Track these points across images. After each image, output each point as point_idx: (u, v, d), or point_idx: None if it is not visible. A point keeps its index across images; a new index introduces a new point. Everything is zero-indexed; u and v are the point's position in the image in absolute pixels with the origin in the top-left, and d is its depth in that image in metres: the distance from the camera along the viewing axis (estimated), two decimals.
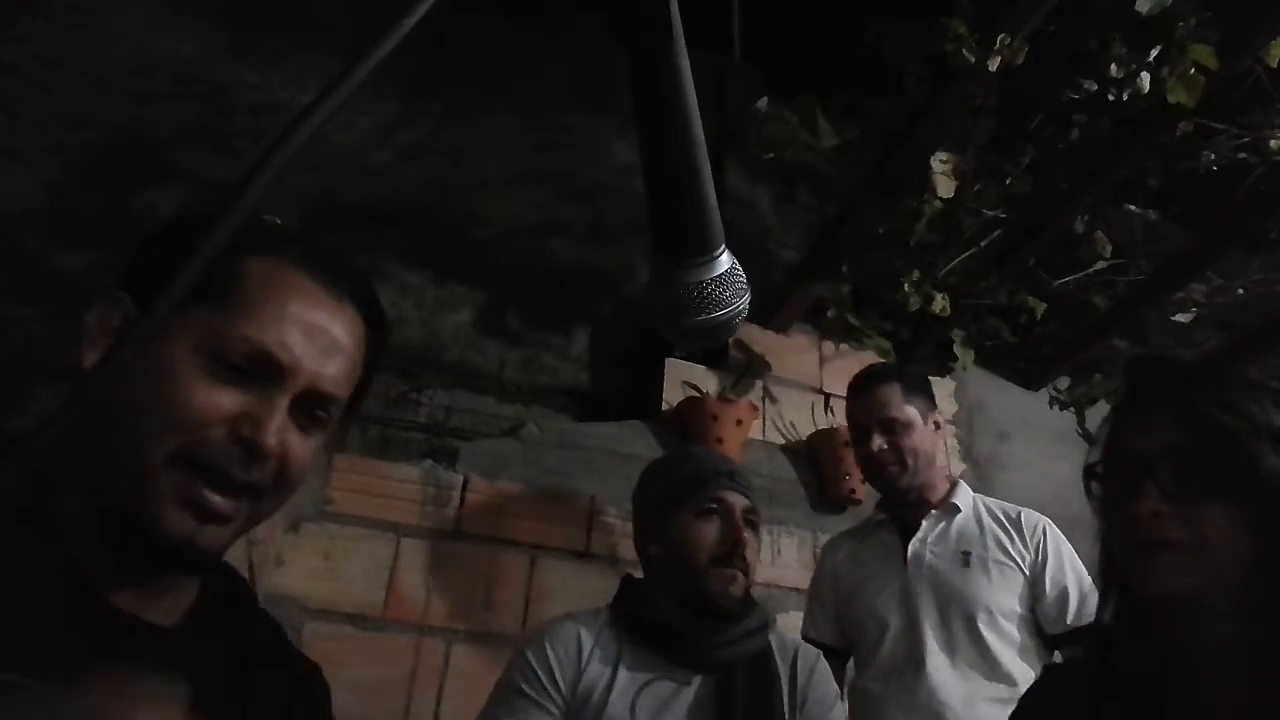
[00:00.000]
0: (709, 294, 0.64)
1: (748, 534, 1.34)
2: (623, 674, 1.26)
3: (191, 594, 0.68)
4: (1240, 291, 2.49)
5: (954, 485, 1.85)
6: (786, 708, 1.28)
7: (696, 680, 1.26)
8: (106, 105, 2.32)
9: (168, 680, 0.60)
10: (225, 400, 0.60)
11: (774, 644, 1.35)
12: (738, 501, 1.35)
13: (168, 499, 0.59)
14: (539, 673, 1.25)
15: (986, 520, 1.78)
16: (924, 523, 1.78)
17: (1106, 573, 0.89)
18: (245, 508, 0.63)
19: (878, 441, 1.76)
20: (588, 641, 1.29)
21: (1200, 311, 2.54)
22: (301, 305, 0.64)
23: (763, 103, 2.17)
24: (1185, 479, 0.77)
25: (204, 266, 0.36)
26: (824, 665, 1.39)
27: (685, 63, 0.58)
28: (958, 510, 1.78)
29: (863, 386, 1.83)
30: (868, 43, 2.19)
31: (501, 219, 2.61)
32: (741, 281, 0.66)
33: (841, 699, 1.38)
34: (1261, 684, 0.74)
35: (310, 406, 0.65)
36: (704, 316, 0.65)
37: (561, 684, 1.24)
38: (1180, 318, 2.58)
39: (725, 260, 0.65)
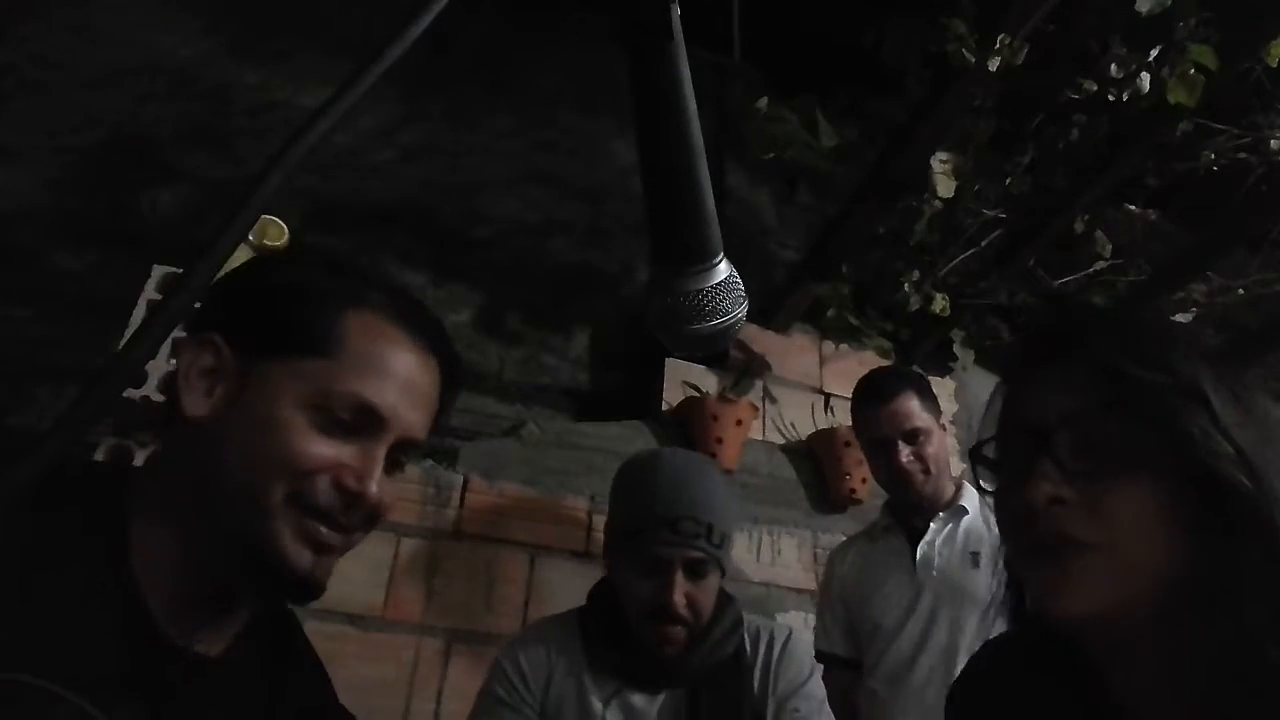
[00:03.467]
0: (707, 302, 0.64)
1: (690, 587, 1.24)
2: (590, 685, 1.27)
3: (240, 624, 0.70)
4: (1240, 291, 2.49)
5: (959, 486, 1.83)
6: (758, 692, 1.28)
7: (665, 692, 1.27)
8: (106, 105, 2.32)
9: (203, 711, 0.63)
10: (330, 451, 0.66)
11: (746, 637, 1.33)
12: (677, 555, 1.23)
13: (287, 534, 0.65)
14: (514, 682, 1.29)
15: (994, 520, 1.77)
16: (932, 525, 1.76)
17: (1013, 589, 0.73)
18: (346, 541, 0.70)
19: (905, 454, 1.72)
20: (555, 654, 1.31)
21: (1200, 311, 2.54)
22: (400, 361, 0.70)
23: (763, 103, 2.17)
24: (1090, 453, 0.60)
25: (212, 270, 0.36)
26: (796, 643, 1.36)
27: (685, 67, 0.58)
28: (965, 511, 1.77)
29: (878, 398, 1.77)
30: (868, 43, 2.19)
31: (501, 219, 2.61)
32: (739, 289, 0.66)
33: (815, 672, 1.34)
34: None
35: (398, 453, 0.70)
36: (702, 324, 0.65)
37: (535, 694, 1.28)
38: (1180, 318, 2.58)
39: (723, 268, 0.65)
